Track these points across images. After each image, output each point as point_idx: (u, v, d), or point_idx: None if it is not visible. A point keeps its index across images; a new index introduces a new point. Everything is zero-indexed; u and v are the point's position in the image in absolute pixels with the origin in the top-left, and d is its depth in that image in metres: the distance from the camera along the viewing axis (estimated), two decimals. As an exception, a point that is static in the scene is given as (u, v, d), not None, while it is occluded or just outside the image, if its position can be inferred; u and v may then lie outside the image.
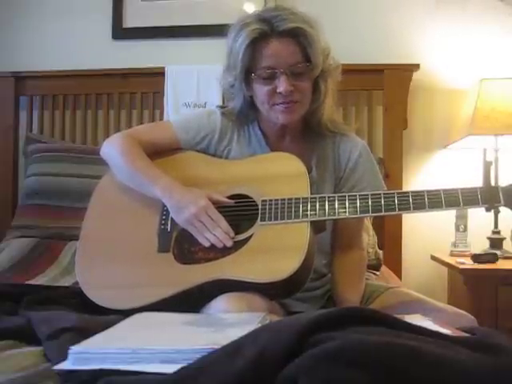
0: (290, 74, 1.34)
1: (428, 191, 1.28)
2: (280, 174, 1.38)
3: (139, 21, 2.65)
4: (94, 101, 2.60)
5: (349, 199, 1.31)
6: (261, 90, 1.38)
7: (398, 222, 2.36)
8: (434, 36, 2.49)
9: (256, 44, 1.34)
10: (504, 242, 2.24)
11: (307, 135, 1.49)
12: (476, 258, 2.07)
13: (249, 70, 1.38)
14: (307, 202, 1.31)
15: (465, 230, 2.24)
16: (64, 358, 0.87)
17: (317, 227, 1.32)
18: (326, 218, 1.31)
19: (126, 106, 2.58)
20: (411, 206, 1.27)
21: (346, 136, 1.49)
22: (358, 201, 1.30)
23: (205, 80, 2.48)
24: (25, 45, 2.70)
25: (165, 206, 1.39)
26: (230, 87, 1.45)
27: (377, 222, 2.27)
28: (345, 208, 1.30)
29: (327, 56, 1.42)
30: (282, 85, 1.34)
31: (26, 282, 1.69)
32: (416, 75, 2.42)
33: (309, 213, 1.30)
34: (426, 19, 2.50)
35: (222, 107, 1.54)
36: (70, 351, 0.87)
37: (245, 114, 1.49)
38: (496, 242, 2.24)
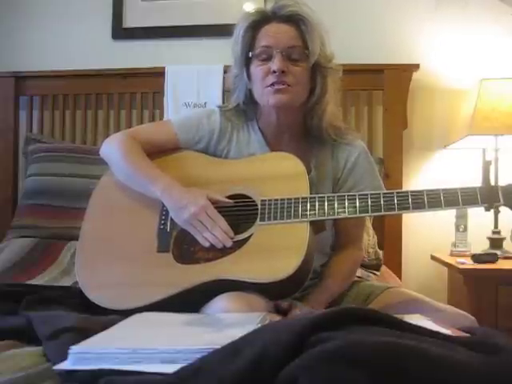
0: (285, 56, 1.38)
1: (427, 191, 1.28)
2: (279, 173, 1.38)
3: (139, 21, 2.65)
4: (94, 101, 2.60)
5: (348, 199, 1.31)
6: (257, 72, 1.41)
7: (398, 222, 2.36)
8: (433, 36, 2.49)
9: (257, 26, 1.41)
10: (504, 242, 2.24)
11: (307, 137, 1.49)
12: (476, 258, 2.07)
13: (248, 52, 1.42)
14: (306, 202, 1.31)
15: (465, 230, 2.23)
16: (64, 358, 0.87)
17: (316, 227, 1.32)
18: (326, 217, 1.31)
19: (126, 106, 2.58)
20: (410, 205, 1.27)
21: (346, 140, 1.49)
22: (357, 200, 1.30)
23: (205, 80, 2.48)
24: (25, 45, 2.70)
25: (164, 205, 1.38)
26: (235, 78, 1.48)
27: (377, 222, 2.27)
28: (344, 208, 1.30)
29: (330, 61, 1.43)
30: (275, 63, 1.37)
31: (26, 282, 1.69)
32: (416, 75, 2.42)
33: (308, 212, 1.30)
34: (425, 19, 2.50)
35: (222, 107, 1.55)
36: (69, 351, 0.87)
37: (245, 109, 1.50)
38: (496, 242, 2.24)
